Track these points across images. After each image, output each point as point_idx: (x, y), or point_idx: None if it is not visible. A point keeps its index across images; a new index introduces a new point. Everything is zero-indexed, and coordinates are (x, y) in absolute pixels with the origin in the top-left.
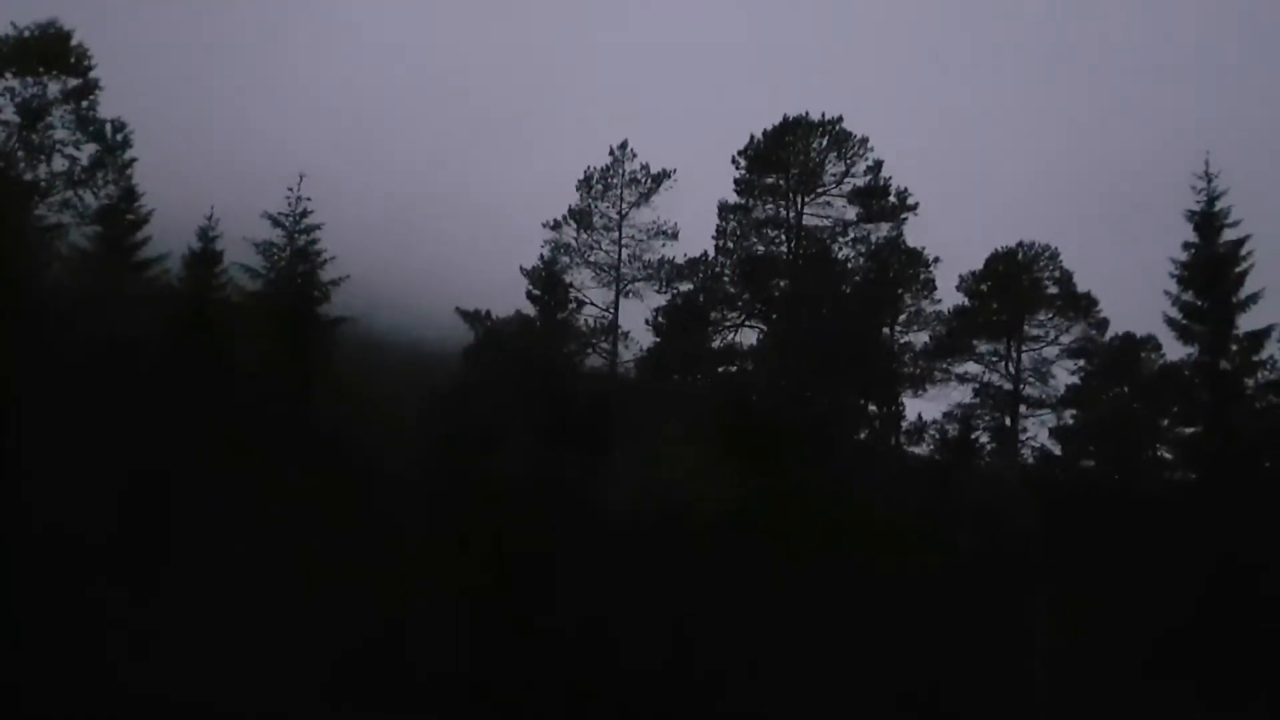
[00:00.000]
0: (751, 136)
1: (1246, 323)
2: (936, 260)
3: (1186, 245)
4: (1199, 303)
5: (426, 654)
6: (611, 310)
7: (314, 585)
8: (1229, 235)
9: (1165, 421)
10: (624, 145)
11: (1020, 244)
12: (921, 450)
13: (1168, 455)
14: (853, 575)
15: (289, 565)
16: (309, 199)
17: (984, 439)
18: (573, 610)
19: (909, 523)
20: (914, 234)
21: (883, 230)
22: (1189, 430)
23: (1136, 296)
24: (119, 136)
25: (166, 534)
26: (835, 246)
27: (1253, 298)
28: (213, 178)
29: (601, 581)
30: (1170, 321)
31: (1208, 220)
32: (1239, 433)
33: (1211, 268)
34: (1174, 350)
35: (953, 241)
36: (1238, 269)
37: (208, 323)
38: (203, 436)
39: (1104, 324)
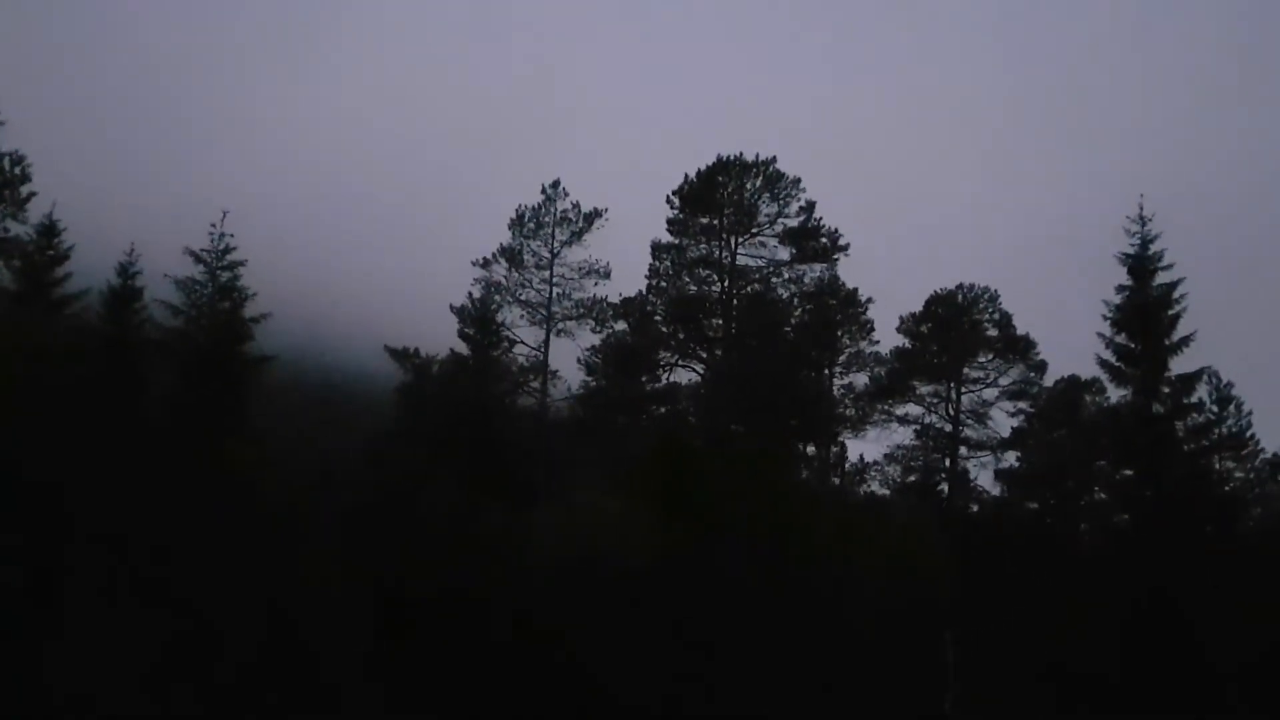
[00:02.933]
0: (686, 176)
1: (1178, 366)
2: (869, 301)
3: (1120, 288)
4: (1132, 345)
5: (345, 693)
6: (541, 349)
7: (230, 624)
8: (1162, 279)
9: (1103, 464)
10: (556, 184)
11: (960, 286)
12: (866, 490)
13: (1104, 497)
14: (779, 611)
15: (207, 603)
16: (232, 235)
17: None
18: (498, 650)
19: (836, 561)
20: (854, 276)
21: (815, 271)
22: (1125, 473)
23: (1081, 340)
24: (17, 170)
25: (80, 577)
26: (772, 286)
27: (1184, 341)
28: (135, 214)
29: (530, 621)
30: (1103, 364)
31: (1141, 264)
32: (1170, 476)
33: (1144, 311)
34: (1116, 394)
35: (893, 284)
36: (1170, 312)
37: (127, 360)
38: (120, 473)
39: (1042, 366)
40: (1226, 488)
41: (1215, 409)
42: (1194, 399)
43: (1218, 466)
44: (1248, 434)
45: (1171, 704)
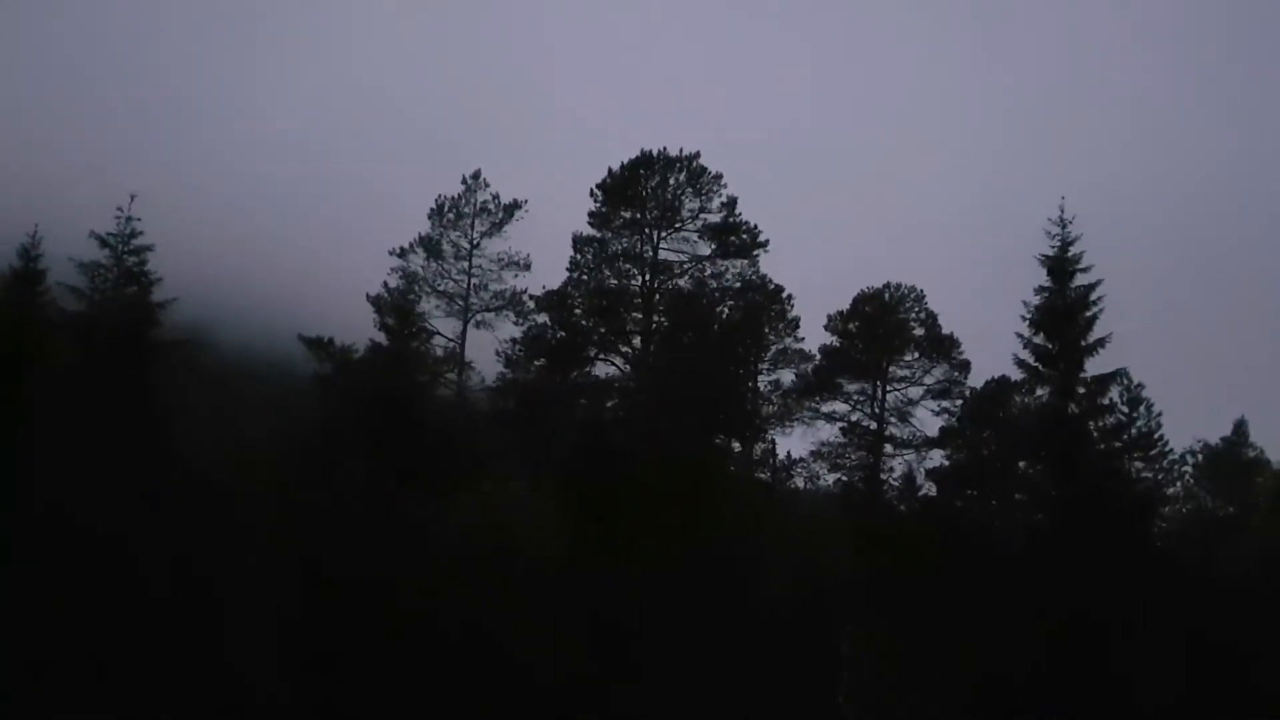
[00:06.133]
0: (609, 169)
1: (1094, 367)
2: (790, 297)
3: (1039, 289)
4: (1049, 346)
5: (256, 684)
6: (458, 340)
7: (141, 613)
8: (1081, 280)
9: (1022, 464)
10: (477, 175)
11: (887, 285)
12: (792, 485)
13: (1020, 498)
14: (692, 602)
15: (114, 592)
16: (139, 219)
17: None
18: (409, 641)
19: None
20: (782, 274)
21: (736, 267)
22: (1042, 473)
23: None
24: None
25: None
26: (704, 283)
27: (1100, 342)
28: (40, 196)
29: (440, 613)
30: (1021, 364)
31: (1060, 265)
32: (1084, 476)
33: (1062, 312)
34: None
35: (827, 282)
36: (1087, 314)
37: (27, 343)
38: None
39: (965, 365)
40: (1138, 488)
41: (1126, 410)
42: (1107, 400)
43: (1129, 467)
44: (1156, 435)
45: (1083, 708)
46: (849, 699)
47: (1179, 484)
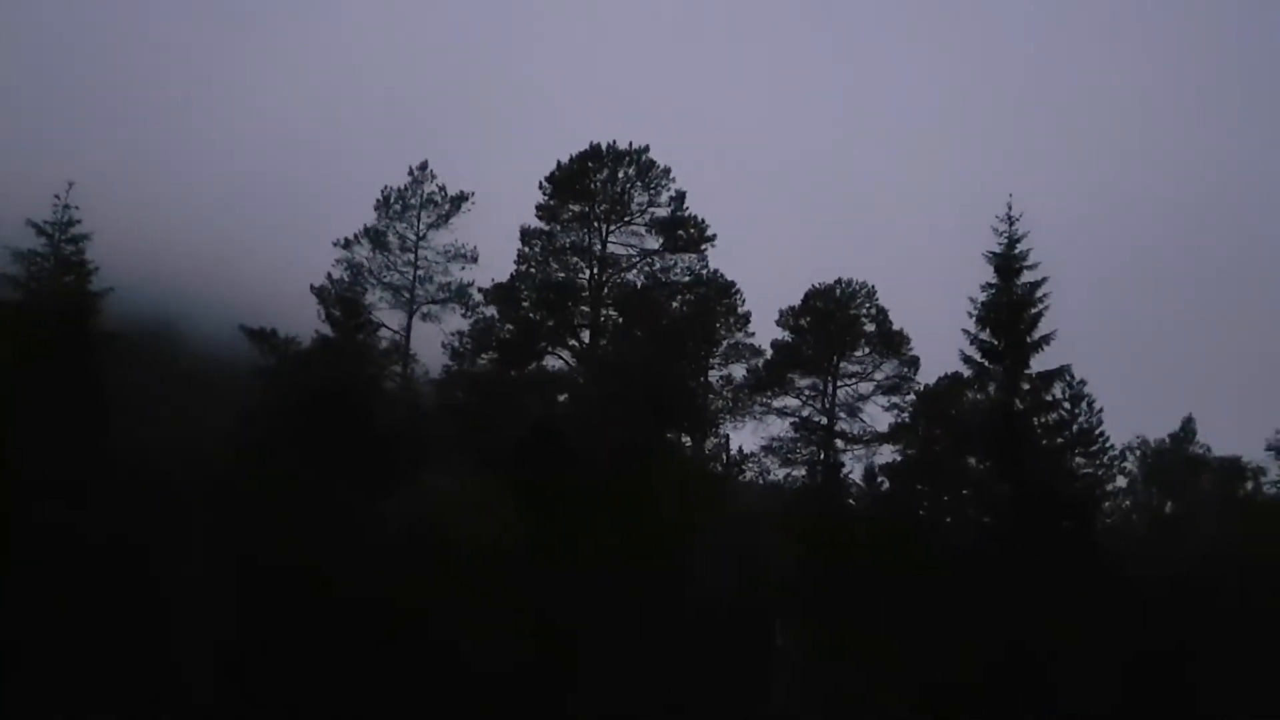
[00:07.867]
0: (558, 162)
1: (1038, 364)
2: (737, 292)
3: (986, 286)
4: (995, 343)
5: (198, 675)
6: (403, 333)
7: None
8: (1027, 277)
9: (971, 460)
10: (424, 166)
11: (839, 281)
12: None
13: (966, 494)
14: (637, 600)
15: (56, 589)
16: (77, 207)
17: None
18: (353, 635)
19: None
20: (734, 270)
21: (686, 261)
22: (988, 469)
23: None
24: None
25: None
26: (657, 278)
27: (1045, 339)
28: None
29: (384, 607)
30: (967, 360)
31: (1006, 262)
32: (1030, 472)
33: (1008, 309)
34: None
35: (778, 276)
36: (1033, 311)
37: None
38: None
39: (915, 362)
40: (1077, 484)
41: (1069, 406)
42: (1051, 397)
43: (1070, 463)
44: (1097, 432)
45: (1026, 707)
46: (783, 690)
47: (1119, 479)
